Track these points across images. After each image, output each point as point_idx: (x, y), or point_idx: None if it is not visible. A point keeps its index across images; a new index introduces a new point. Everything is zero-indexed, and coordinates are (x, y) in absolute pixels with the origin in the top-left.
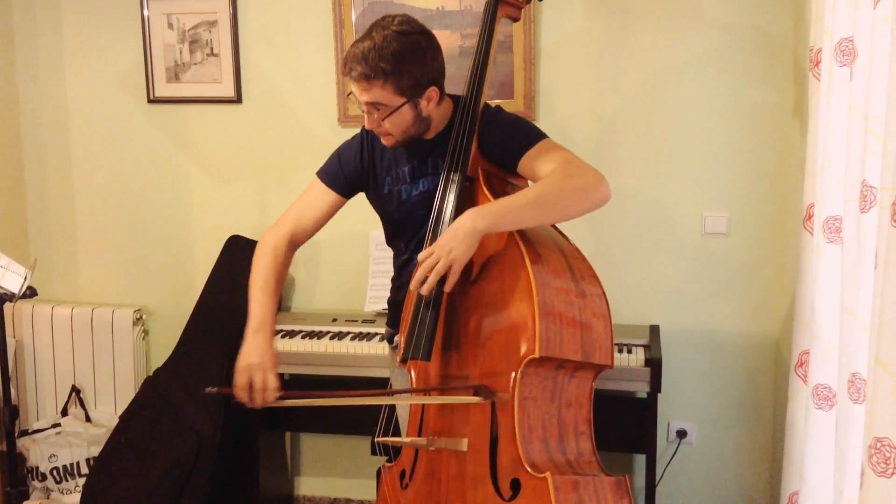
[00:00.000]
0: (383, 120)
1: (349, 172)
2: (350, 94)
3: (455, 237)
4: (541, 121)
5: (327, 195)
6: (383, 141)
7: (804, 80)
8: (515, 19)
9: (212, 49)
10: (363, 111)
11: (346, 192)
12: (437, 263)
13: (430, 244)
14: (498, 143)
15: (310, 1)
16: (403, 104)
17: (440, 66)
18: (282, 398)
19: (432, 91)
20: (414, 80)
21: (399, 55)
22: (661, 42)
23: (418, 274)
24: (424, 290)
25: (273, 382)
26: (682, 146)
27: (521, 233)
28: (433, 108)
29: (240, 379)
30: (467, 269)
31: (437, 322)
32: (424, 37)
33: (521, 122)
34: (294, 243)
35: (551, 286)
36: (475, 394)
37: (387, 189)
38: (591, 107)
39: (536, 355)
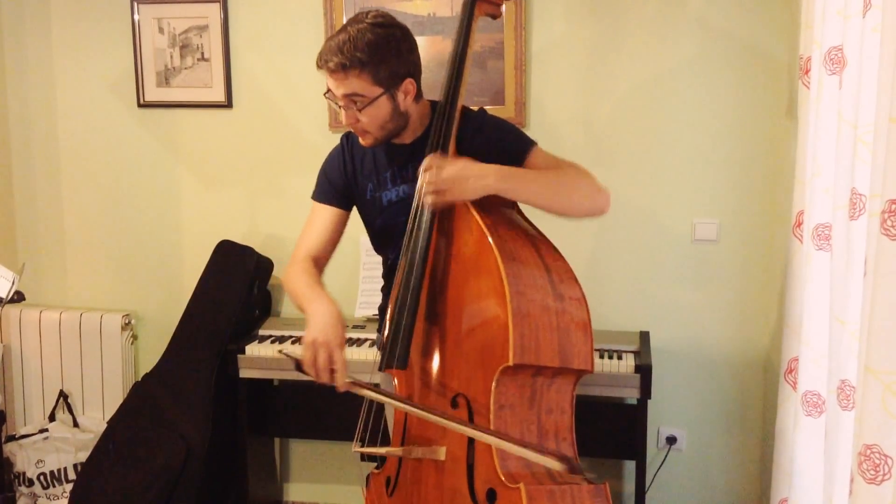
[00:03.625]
0: (360, 111)
1: (338, 184)
2: (327, 92)
3: (467, 178)
4: (531, 126)
5: (327, 212)
6: (361, 140)
7: (794, 89)
8: (495, 17)
9: (202, 54)
10: (339, 107)
11: (343, 203)
12: (436, 190)
13: (407, 253)
14: (495, 148)
15: (301, 6)
16: (381, 95)
17: (416, 60)
18: (353, 384)
19: (409, 83)
20: (390, 71)
21: (374, 45)
22: (651, 48)
23: (422, 185)
24: (426, 204)
25: (339, 362)
26: (671, 152)
27: (496, 234)
28: (410, 102)
29: (305, 354)
30: (444, 266)
31: (413, 330)
32: (400, 30)
33: (511, 125)
34: (316, 263)
35: (526, 290)
36: (560, 460)
37: (369, 195)
38: (581, 112)
39: (510, 363)
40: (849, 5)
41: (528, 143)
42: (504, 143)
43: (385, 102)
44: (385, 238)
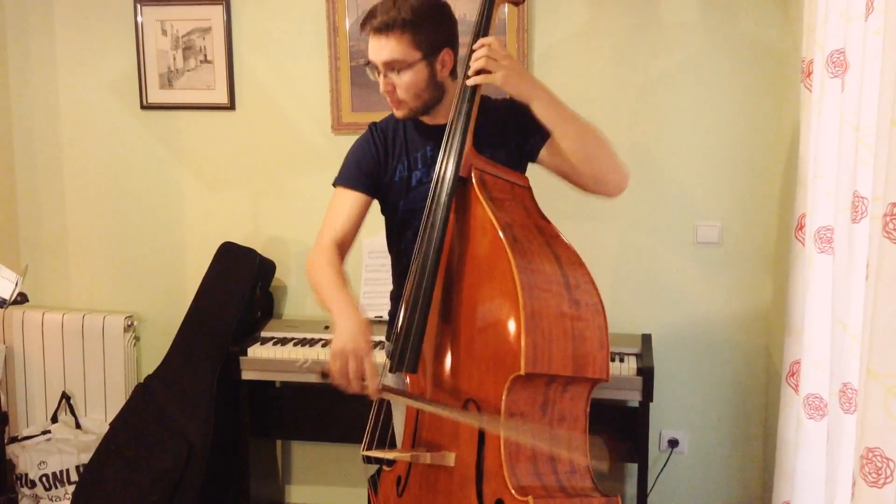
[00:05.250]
0: (399, 73)
1: (368, 168)
2: (367, 62)
3: (521, 70)
4: None
5: (352, 197)
6: (396, 111)
7: (796, 91)
8: (517, 3)
9: (205, 56)
10: (378, 75)
11: (370, 188)
12: (489, 64)
13: (420, 254)
14: (520, 120)
15: (304, 8)
16: (420, 60)
17: (455, 33)
18: (386, 389)
19: (447, 54)
20: (431, 37)
21: (418, 9)
22: (652, 51)
23: (475, 55)
24: (472, 67)
25: (370, 369)
26: (673, 155)
27: (511, 235)
28: (446, 75)
29: (333, 365)
30: (457, 267)
31: (424, 333)
32: (442, 1)
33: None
34: (340, 250)
35: (540, 297)
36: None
37: (398, 176)
38: (583, 115)
39: (522, 372)
40: (851, 8)
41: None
42: (529, 122)
43: (423, 69)
44: (404, 221)
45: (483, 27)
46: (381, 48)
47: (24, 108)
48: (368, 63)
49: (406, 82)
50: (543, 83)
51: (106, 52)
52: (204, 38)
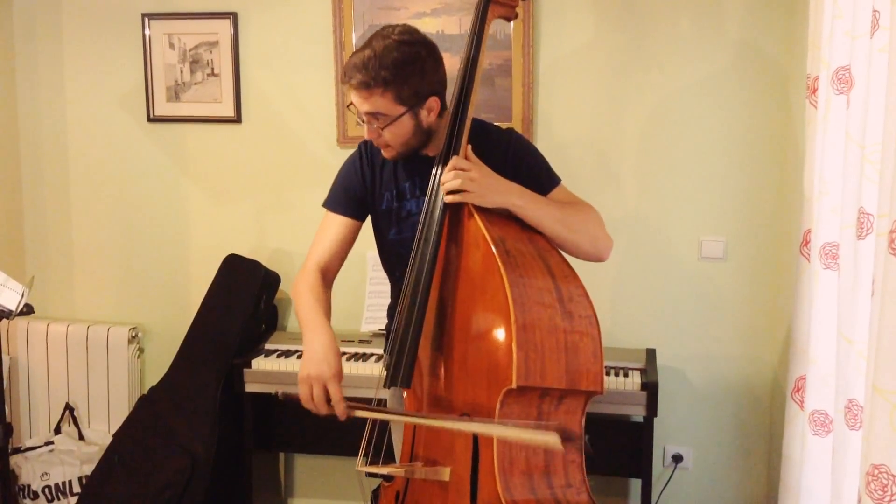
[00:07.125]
0: (383, 129)
1: (355, 193)
2: (350, 104)
3: (492, 187)
4: (538, 144)
5: (339, 222)
6: (383, 153)
7: (801, 107)
8: (509, 18)
9: (212, 69)
10: (362, 121)
11: (357, 213)
12: (459, 187)
13: (413, 269)
14: (519, 170)
15: (310, 23)
16: (403, 114)
17: (441, 77)
18: (352, 408)
19: (433, 101)
20: (414, 90)
21: (399, 63)
22: (659, 67)
23: (445, 181)
24: (444, 188)
25: (336, 394)
26: (679, 170)
27: (503, 250)
28: (434, 119)
29: (301, 390)
30: (450, 282)
31: (417, 348)
32: (425, 47)
33: (541, 155)
34: (325, 275)
35: (532, 310)
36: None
37: (385, 205)
38: (588, 130)
39: (513, 385)
40: (856, 26)
41: (556, 180)
42: (532, 169)
43: (407, 120)
44: (396, 253)
45: (476, 43)
46: (363, 102)
47: (32, 120)
48: (351, 105)
49: (391, 134)
50: (513, 185)
51: (113, 65)
52: (211, 52)
